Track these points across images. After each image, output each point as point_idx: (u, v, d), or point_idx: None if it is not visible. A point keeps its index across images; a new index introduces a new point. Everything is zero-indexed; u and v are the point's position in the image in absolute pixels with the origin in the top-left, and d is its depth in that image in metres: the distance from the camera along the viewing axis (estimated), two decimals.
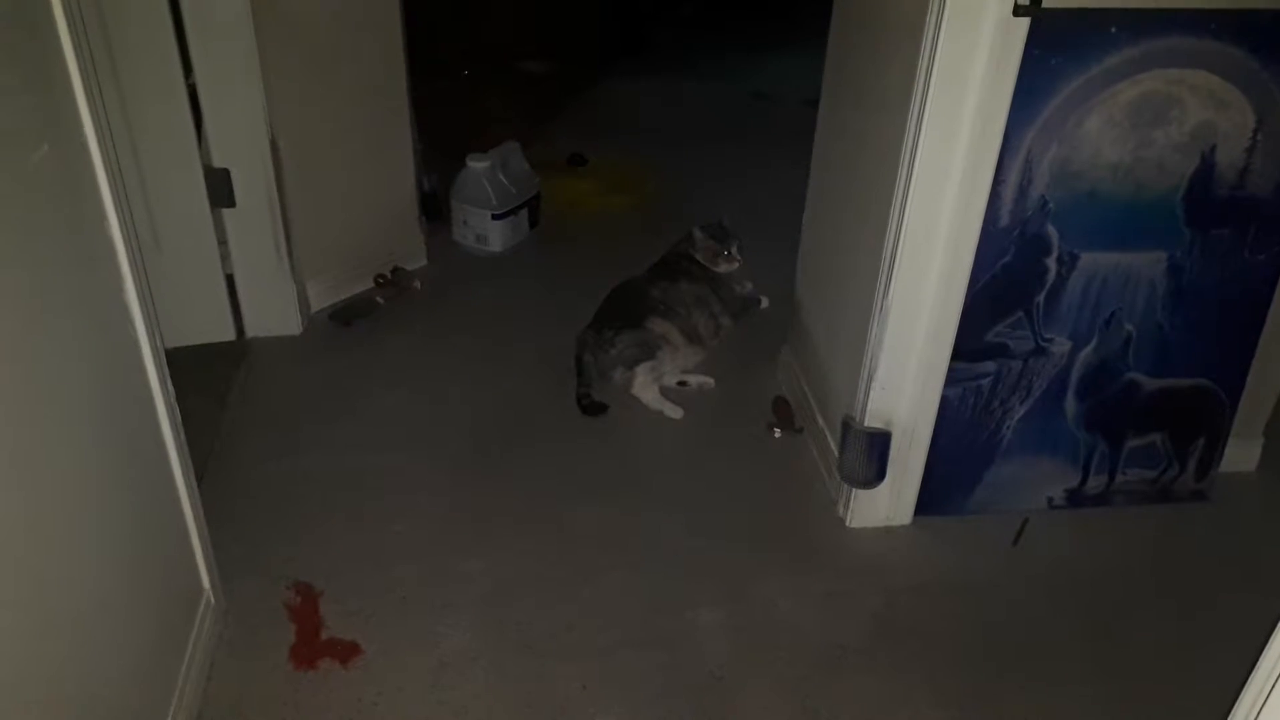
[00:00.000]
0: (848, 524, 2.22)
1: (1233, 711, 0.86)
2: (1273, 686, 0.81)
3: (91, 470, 1.39)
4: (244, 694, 1.76)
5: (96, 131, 1.41)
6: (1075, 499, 2.28)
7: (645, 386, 2.63)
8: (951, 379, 2.05)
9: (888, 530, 2.21)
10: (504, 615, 1.96)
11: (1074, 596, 2.07)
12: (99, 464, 1.42)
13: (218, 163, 2.60)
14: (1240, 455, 2.35)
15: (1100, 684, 1.86)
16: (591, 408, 2.58)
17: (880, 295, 1.95)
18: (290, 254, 2.79)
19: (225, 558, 1.91)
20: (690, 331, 2.73)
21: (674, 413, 2.60)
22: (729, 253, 2.79)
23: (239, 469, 2.32)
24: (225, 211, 2.67)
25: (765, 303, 2.99)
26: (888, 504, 2.19)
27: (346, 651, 1.85)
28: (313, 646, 1.85)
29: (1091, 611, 2.03)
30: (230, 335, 2.81)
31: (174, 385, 1.68)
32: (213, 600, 1.85)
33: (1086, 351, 2.09)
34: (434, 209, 3.49)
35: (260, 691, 1.77)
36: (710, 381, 2.73)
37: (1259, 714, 0.83)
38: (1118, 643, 1.95)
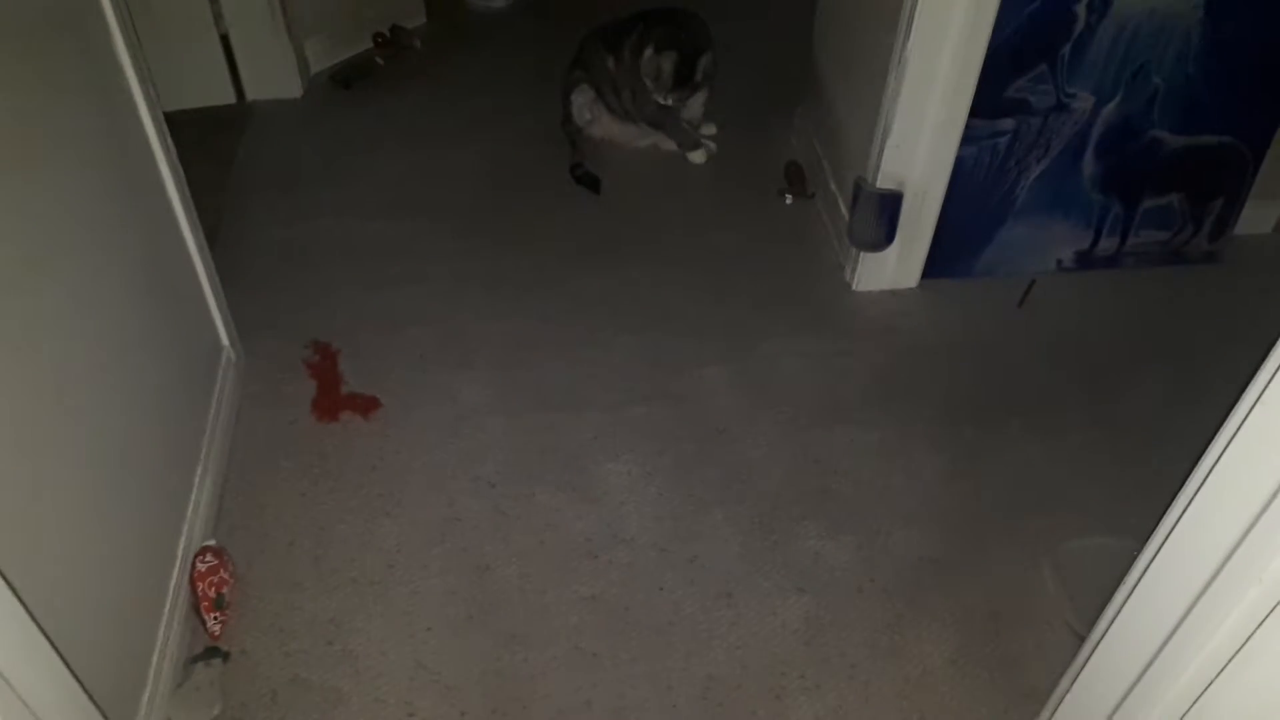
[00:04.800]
0: (854, 288, 2.23)
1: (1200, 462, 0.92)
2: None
3: (98, 220, 1.40)
4: (271, 440, 1.86)
5: None
6: (1085, 261, 2.27)
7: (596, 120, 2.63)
8: (968, 137, 2.00)
9: (894, 293, 2.23)
10: (517, 374, 2.02)
11: (1076, 356, 2.10)
12: (106, 217, 1.42)
13: None
14: (1257, 217, 2.32)
15: (1093, 435, 1.92)
16: (585, 179, 2.53)
17: (899, 44, 1.86)
18: (285, 10, 2.66)
19: (241, 317, 1.95)
20: (612, 107, 2.63)
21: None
22: (673, 99, 2.48)
23: (249, 232, 2.33)
24: None
25: (705, 155, 2.64)
26: (894, 267, 2.19)
27: (367, 405, 1.92)
28: (334, 400, 1.93)
29: (1092, 370, 2.07)
30: (230, 98, 2.75)
31: (179, 148, 1.67)
32: (233, 356, 1.91)
33: (1110, 108, 2.02)
34: None
35: (287, 439, 1.86)
36: (711, 134, 2.67)
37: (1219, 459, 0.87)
38: (1115, 398, 2.00)
